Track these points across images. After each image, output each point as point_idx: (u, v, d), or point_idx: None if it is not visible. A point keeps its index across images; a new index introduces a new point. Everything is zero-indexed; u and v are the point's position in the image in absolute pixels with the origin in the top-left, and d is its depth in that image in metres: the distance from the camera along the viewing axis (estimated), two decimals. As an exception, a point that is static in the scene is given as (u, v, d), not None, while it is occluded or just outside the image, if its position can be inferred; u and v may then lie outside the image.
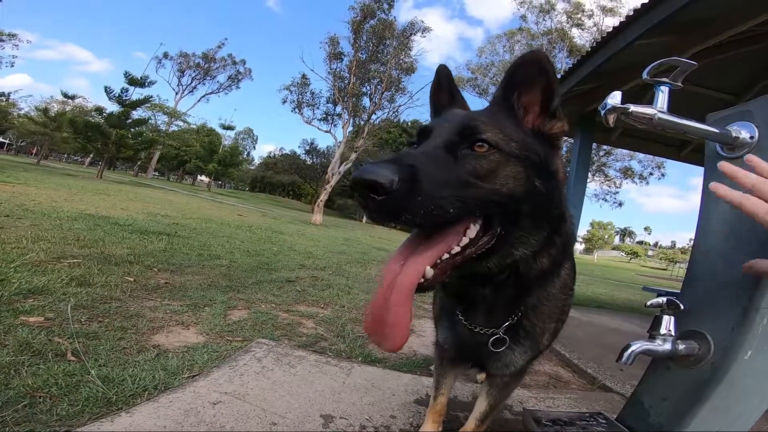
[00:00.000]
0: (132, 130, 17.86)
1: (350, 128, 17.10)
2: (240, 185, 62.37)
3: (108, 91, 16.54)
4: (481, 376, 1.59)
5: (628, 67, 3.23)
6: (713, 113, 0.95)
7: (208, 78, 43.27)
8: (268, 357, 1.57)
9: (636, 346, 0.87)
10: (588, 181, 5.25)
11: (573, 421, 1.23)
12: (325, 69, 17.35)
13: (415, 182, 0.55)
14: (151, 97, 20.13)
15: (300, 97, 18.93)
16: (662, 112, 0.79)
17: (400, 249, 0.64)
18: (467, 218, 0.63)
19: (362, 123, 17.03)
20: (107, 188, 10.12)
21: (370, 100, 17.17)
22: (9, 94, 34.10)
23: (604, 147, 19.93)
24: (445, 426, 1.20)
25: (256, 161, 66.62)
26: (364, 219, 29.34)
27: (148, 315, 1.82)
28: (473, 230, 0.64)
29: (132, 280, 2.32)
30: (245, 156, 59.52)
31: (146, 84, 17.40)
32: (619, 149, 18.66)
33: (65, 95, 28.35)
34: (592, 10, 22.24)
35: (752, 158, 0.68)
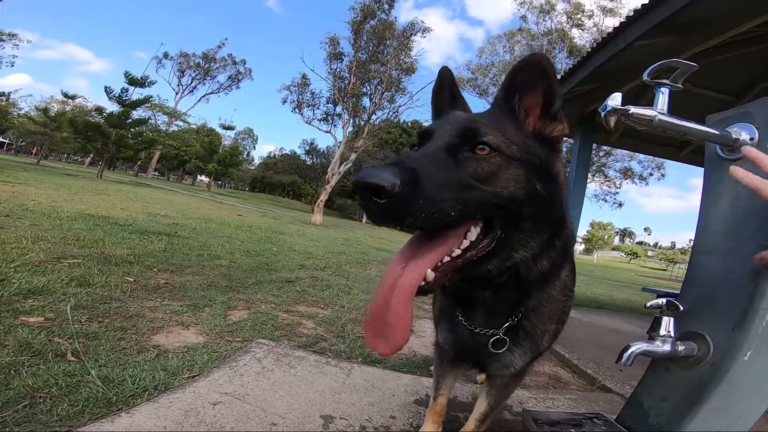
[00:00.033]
0: (132, 130, 17.82)
1: (350, 128, 17.10)
2: (240, 185, 62.34)
3: (108, 91, 16.52)
4: (481, 377, 1.59)
5: (629, 68, 3.23)
6: (713, 115, 0.95)
7: (208, 78, 43.27)
8: (268, 357, 1.57)
9: (635, 347, 0.87)
10: (588, 181, 5.26)
11: (572, 422, 1.23)
12: (326, 69, 17.38)
13: (417, 185, 0.55)
14: (151, 97, 20.12)
15: (300, 97, 18.94)
16: (662, 113, 0.79)
17: (402, 251, 0.64)
18: (468, 221, 0.63)
19: (362, 123, 17.01)
20: (107, 188, 10.11)
21: (370, 101, 17.18)
22: (9, 93, 33.99)
23: (604, 147, 19.97)
24: (445, 426, 1.20)
25: (256, 161, 66.81)
26: (364, 219, 29.35)
27: (148, 315, 1.82)
28: (474, 233, 0.64)
29: (132, 280, 2.32)
30: (245, 156, 59.59)
31: (146, 84, 17.36)
32: (619, 150, 18.68)
33: (65, 95, 28.22)
34: (592, 11, 22.28)
35: (751, 150, 0.70)
